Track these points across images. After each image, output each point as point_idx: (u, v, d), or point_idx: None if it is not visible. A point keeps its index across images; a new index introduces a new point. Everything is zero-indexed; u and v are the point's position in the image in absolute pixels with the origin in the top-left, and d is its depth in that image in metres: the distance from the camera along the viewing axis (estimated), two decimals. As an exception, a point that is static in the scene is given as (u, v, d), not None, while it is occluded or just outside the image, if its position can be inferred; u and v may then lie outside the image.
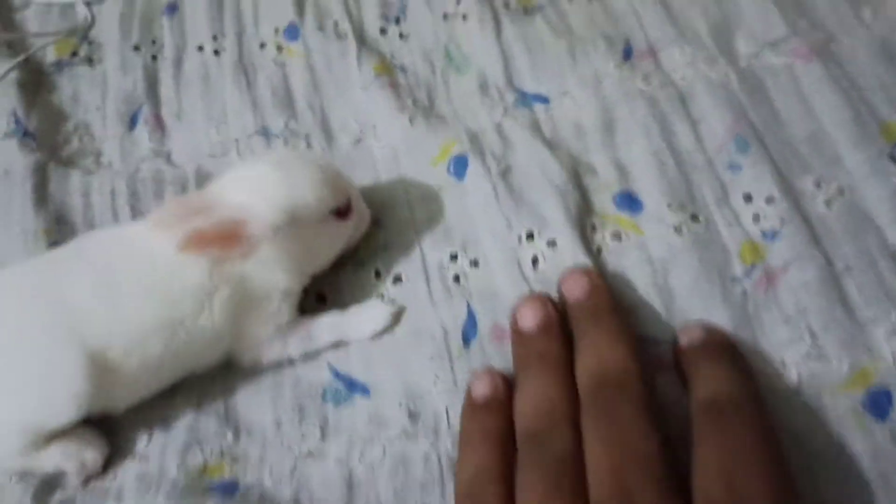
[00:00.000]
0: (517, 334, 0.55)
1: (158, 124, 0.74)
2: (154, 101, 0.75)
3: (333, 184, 0.57)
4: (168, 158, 0.72)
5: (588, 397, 0.48)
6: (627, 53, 0.73)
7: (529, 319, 0.54)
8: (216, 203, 0.54)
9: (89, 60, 0.79)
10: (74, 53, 0.79)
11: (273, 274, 0.55)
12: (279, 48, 0.78)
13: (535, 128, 0.69)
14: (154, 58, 0.79)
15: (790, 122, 0.67)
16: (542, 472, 0.45)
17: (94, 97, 0.76)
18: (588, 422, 0.46)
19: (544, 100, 0.71)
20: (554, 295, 0.58)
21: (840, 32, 0.72)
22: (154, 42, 0.80)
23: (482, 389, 0.53)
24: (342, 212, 0.58)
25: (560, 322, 0.55)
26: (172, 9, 0.82)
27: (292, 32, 0.78)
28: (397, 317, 0.61)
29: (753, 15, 0.73)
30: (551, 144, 0.68)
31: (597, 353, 0.50)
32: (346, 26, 0.78)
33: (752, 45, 0.72)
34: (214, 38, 0.79)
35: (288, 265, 0.56)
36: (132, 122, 0.74)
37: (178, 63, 0.78)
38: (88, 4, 0.83)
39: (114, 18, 0.82)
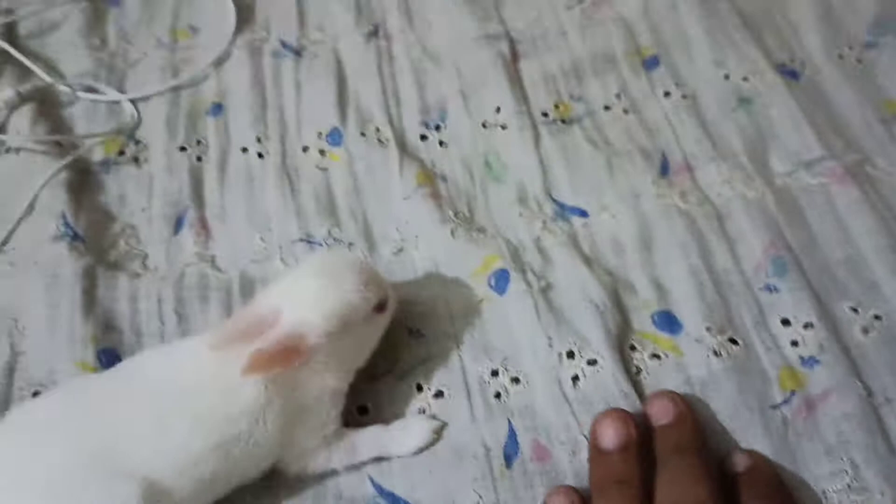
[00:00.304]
0: (596, 452, 0.55)
1: (203, 227, 0.75)
2: (199, 203, 0.77)
3: (374, 282, 0.59)
4: (213, 263, 0.73)
5: None
6: (664, 168, 0.75)
7: (610, 439, 0.55)
8: (269, 319, 0.55)
9: (136, 160, 0.81)
10: (121, 152, 0.81)
11: (323, 378, 0.57)
12: (322, 152, 0.80)
13: (574, 243, 0.71)
14: (199, 158, 0.81)
15: (826, 245, 0.68)
16: None
17: (140, 198, 0.78)
18: None
19: (583, 213, 0.73)
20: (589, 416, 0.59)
21: (875, 153, 0.73)
22: (199, 142, 0.82)
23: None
24: (381, 306, 0.60)
25: (640, 443, 0.53)
26: (217, 109, 0.84)
27: (335, 137, 0.80)
28: (439, 432, 0.62)
29: (788, 134, 0.75)
30: (590, 261, 0.69)
31: (677, 489, 0.50)
32: (387, 133, 0.80)
33: (787, 164, 0.73)
34: (258, 139, 0.81)
35: (337, 366, 0.58)
36: (178, 225, 0.76)
37: (222, 165, 0.80)
38: (134, 102, 0.85)
39: (160, 117, 0.84)
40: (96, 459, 0.52)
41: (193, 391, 0.55)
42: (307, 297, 0.56)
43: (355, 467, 0.61)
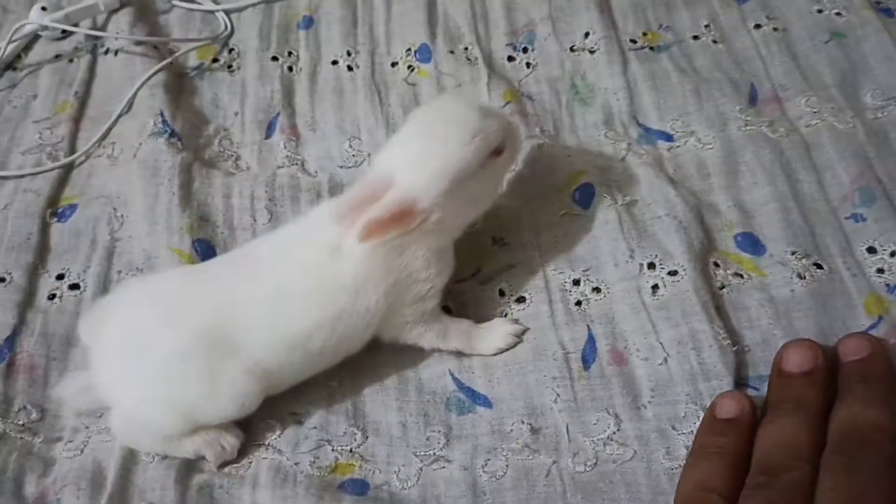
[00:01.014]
0: (779, 373, 0.53)
1: (294, 133, 0.77)
2: (290, 111, 0.79)
3: (485, 129, 0.57)
4: (302, 166, 0.75)
5: (834, 444, 0.48)
6: (753, 98, 0.75)
7: (796, 363, 0.54)
8: (382, 186, 0.55)
9: (229, 67, 0.83)
10: (215, 59, 0.83)
11: (435, 238, 0.58)
12: (410, 68, 0.81)
13: (659, 164, 0.71)
14: (290, 69, 0.82)
15: (916, 178, 0.68)
16: (768, 501, 0.46)
17: (233, 103, 0.80)
18: (827, 467, 0.46)
19: (669, 137, 0.73)
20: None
21: (968, 91, 0.73)
22: (290, 53, 0.84)
23: (729, 408, 0.53)
24: (498, 150, 0.58)
25: (826, 372, 0.52)
26: (309, 22, 0.86)
27: (424, 53, 0.82)
28: (521, 336, 0.63)
29: (881, 68, 0.75)
30: (674, 182, 0.70)
31: (855, 407, 0.49)
32: (476, 52, 0.81)
33: (878, 98, 0.73)
34: (348, 53, 0.83)
35: (453, 222, 0.59)
36: (269, 130, 0.78)
37: (312, 76, 0.82)
38: (228, 13, 0.87)
39: (253, 28, 0.86)
40: (215, 336, 0.55)
41: (301, 274, 0.57)
42: (414, 161, 0.56)
43: (438, 359, 0.63)
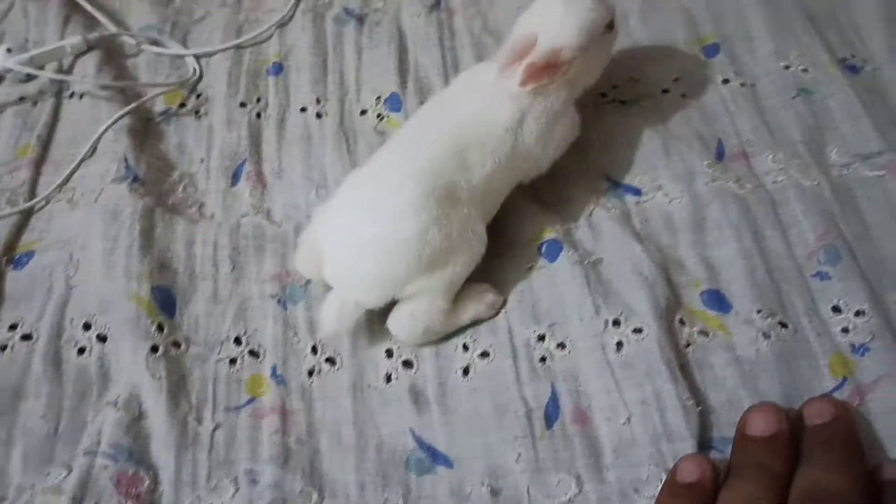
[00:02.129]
0: (743, 438, 0.54)
1: (260, 181, 0.77)
2: (256, 157, 0.78)
3: (604, 3, 0.69)
4: (268, 215, 0.74)
5: None
6: (720, 153, 0.75)
7: (759, 427, 0.53)
8: (529, 42, 0.66)
9: (196, 112, 0.82)
10: (182, 104, 0.83)
11: (569, 90, 0.69)
12: (380, 117, 0.81)
13: (627, 219, 0.71)
14: (258, 115, 0.82)
15: (880, 238, 0.68)
16: None
17: (199, 149, 0.79)
18: None
19: (637, 192, 0.73)
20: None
21: (933, 150, 0.73)
22: (259, 100, 0.83)
23: (690, 472, 0.52)
24: (611, 25, 0.70)
25: (789, 438, 0.52)
26: (278, 69, 0.86)
27: (394, 102, 0.81)
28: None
29: (846, 126, 0.75)
30: (641, 237, 0.69)
31: (816, 472, 0.49)
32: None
33: (844, 156, 0.73)
34: (317, 100, 0.82)
35: (580, 79, 0.70)
36: (235, 177, 0.77)
37: (281, 122, 0.81)
38: (198, 58, 0.86)
39: (222, 73, 0.85)
40: (438, 194, 0.62)
41: (480, 119, 0.66)
42: (557, 19, 0.67)
43: (399, 415, 0.61)
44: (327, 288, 0.66)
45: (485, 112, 0.66)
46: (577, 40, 0.66)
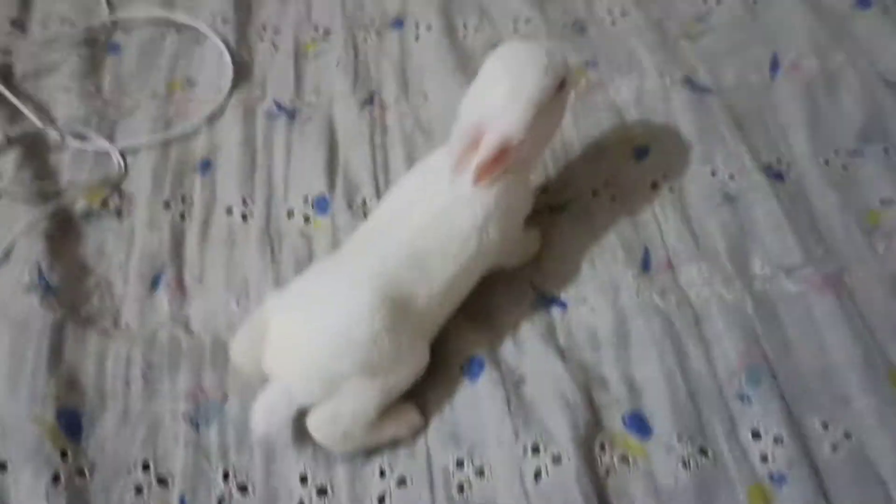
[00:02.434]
0: None
1: (180, 288, 0.75)
2: (178, 262, 0.77)
3: (552, 65, 0.65)
4: (186, 326, 0.72)
5: None
6: (646, 264, 0.75)
7: None
8: (477, 133, 0.64)
9: (118, 213, 0.80)
10: (104, 204, 0.81)
11: (524, 171, 0.69)
12: (307, 219, 0.80)
13: (551, 333, 0.70)
14: (182, 216, 0.80)
15: (802, 355, 0.68)
16: None
17: (118, 253, 0.77)
18: None
19: (562, 304, 0.73)
20: None
21: (854, 263, 0.74)
22: (184, 199, 0.82)
23: None
24: (562, 84, 0.67)
25: None
26: (206, 166, 0.84)
27: (322, 205, 0.80)
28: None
29: (770, 236, 0.75)
30: (565, 354, 0.69)
31: None
32: (374, 206, 0.80)
33: (767, 268, 0.73)
34: (244, 201, 0.81)
35: (534, 152, 0.69)
36: (154, 284, 0.75)
37: (205, 224, 0.80)
38: (123, 153, 0.85)
39: (147, 170, 0.83)
40: (389, 305, 0.61)
41: (441, 222, 0.65)
42: (502, 106, 0.64)
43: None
44: (244, 408, 0.64)
45: (446, 215, 0.65)
46: (525, 121, 0.64)
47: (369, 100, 0.90)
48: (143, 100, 0.91)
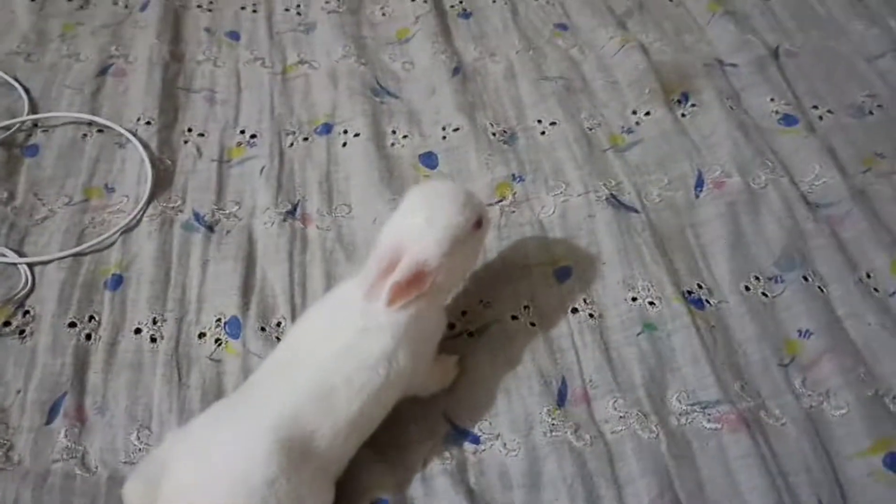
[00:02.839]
0: None
1: (79, 417, 0.72)
2: (79, 389, 0.74)
3: (470, 203, 0.69)
4: (82, 459, 0.69)
5: None
6: (562, 397, 0.73)
7: None
8: (395, 256, 0.65)
9: (20, 333, 0.77)
10: (7, 322, 0.78)
11: (436, 299, 0.69)
12: (218, 342, 0.77)
13: (462, 472, 0.69)
14: (88, 337, 0.77)
15: (714, 499, 0.67)
16: None
17: (17, 377, 0.74)
18: None
19: (476, 439, 0.71)
20: None
21: (771, 399, 0.73)
22: (92, 318, 0.79)
23: None
24: (479, 223, 0.70)
25: None
26: (118, 281, 0.82)
27: (234, 328, 0.78)
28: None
29: (688, 368, 0.75)
30: (475, 496, 0.67)
31: None
32: (288, 328, 0.78)
33: (683, 402, 0.73)
34: (154, 321, 0.79)
35: (447, 284, 0.70)
36: (52, 413, 0.72)
37: (112, 346, 0.77)
38: (31, 266, 0.82)
39: (55, 286, 0.81)
40: (285, 454, 0.59)
41: (348, 355, 0.64)
42: (420, 231, 0.66)
43: None
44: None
45: (354, 347, 0.64)
46: (441, 249, 0.66)
47: (292, 211, 0.89)
48: (58, 207, 0.88)
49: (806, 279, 0.81)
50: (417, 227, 0.66)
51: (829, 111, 1.00)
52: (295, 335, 0.69)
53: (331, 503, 0.63)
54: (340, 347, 0.64)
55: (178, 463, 0.61)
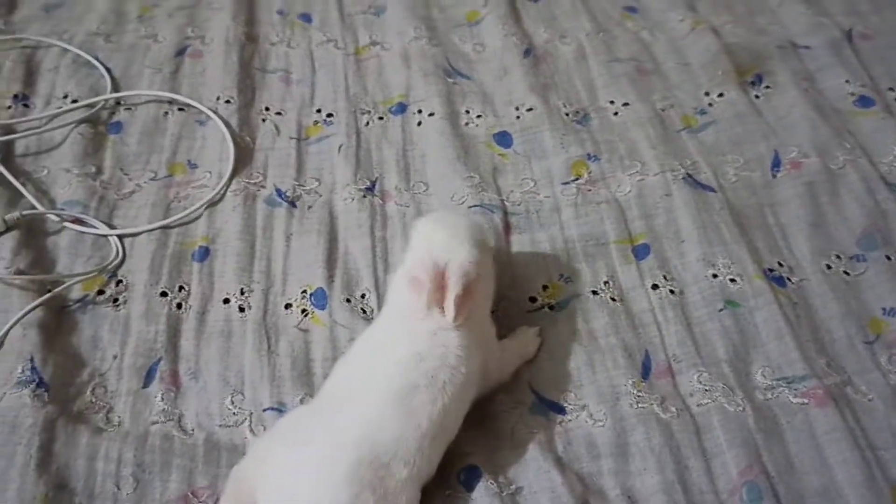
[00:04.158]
0: None
1: (174, 382, 0.74)
2: (173, 355, 0.76)
3: (482, 224, 0.79)
4: (179, 422, 0.71)
5: None
6: (646, 370, 0.74)
7: None
8: (440, 272, 0.67)
9: (114, 301, 0.79)
10: (101, 291, 0.80)
11: (484, 303, 0.72)
12: (304, 312, 0.79)
13: (550, 441, 0.69)
14: (179, 306, 0.79)
15: (803, 471, 0.67)
16: None
17: (113, 344, 0.76)
18: None
19: (561, 410, 0.72)
20: None
21: (857, 375, 0.73)
22: (181, 289, 0.81)
23: None
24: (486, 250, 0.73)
25: None
26: (204, 253, 0.84)
27: (320, 299, 0.80)
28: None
29: (772, 344, 0.75)
30: (563, 464, 0.67)
31: None
32: (373, 301, 0.79)
33: (769, 377, 0.73)
34: (241, 291, 0.80)
35: (485, 294, 0.71)
36: (148, 377, 0.74)
37: (202, 315, 0.79)
38: (122, 238, 0.84)
39: (145, 256, 0.83)
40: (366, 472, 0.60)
41: (420, 358, 0.65)
42: (451, 242, 0.69)
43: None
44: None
45: (430, 349, 0.66)
46: (477, 253, 0.69)
47: (370, 188, 0.90)
48: (144, 182, 0.90)
49: (889, 258, 0.81)
50: (449, 240, 0.69)
51: (905, 93, 0.99)
52: (362, 349, 0.70)
53: None
54: (417, 351, 0.65)
55: (266, 486, 0.62)
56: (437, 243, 0.69)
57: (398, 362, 0.65)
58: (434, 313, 0.66)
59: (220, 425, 0.71)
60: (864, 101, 0.98)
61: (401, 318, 0.69)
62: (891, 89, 1.00)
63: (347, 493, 0.59)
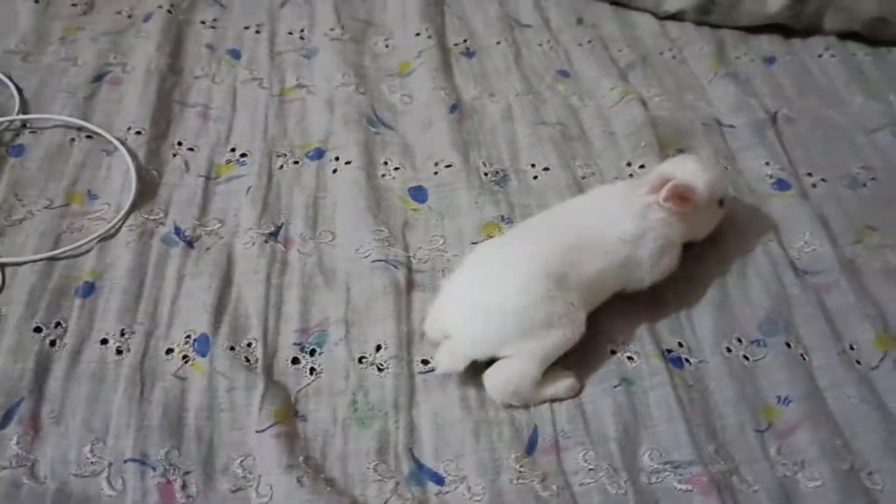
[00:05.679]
0: None
1: (33, 425, 0.70)
2: (37, 395, 0.72)
3: (724, 181, 0.86)
4: (32, 469, 0.67)
5: None
6: (532, 445, 0.72)
7: None
8: (667, 178, 0.78)
9: (-16, 335, 0.75)
10: (-29, 322, 0.76)
11: (677, 231, 0.81)
12: (185, 359, 0.75)
13: (424, 511, 0.66)
14: (53, 343, 0.75)
15: (679, 563, 0.65)
16: None
17: (-26, 381, 0.72)
18: None
19: (440, 480, 0.69)
20: None
21: (744, 464, 0.71)
22: (59, 325, 0.77)
23: None
24: (721, 203, 0.85)
25: None
26: (90, 289, 0.80)
27: (203, 345, 0.76)
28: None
29: (663, 428, 0.73)
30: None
31: None
32: (258, 351, 0.76)
33: (656, 460, 0.71)
34: (122, 332, 0.77)
35: (688, 228, 0.82)
36: (6, 418, 0.70)
37: (76, 354, 0.75)
38: (3, 267, 0.80)
39: (24, 289, 0.79)
40: (551, 281, 0.74)
41: (603, 226, 0.79)
42: (693, 169, 0.82)
43: None
44: None
45: (615, 222, 0.79)
46: (704, 189, 0.80)
47: (275, 233, 0.87)
48: (37, 210, 0.87)
49: (789, 345, 0.80)
50: (691, 167, 0.82)
51: (822, 179, 0.99)
52: (560, 207, 0.85)
53: (580, 333, 0.75)
54: (604, 220, 0.79)
55: (455, 294, 0.77)
56: (684, 167, 0.82)
57: (585, 222, 0.79)
58: (637, 198, 0.80)
59: (75, 474, 0.67)
60: (780, 185, 0.98)
61: (604, 192, 0.85)
62: (809, 174, 1.00)
63: (525, 299, 0.72)
